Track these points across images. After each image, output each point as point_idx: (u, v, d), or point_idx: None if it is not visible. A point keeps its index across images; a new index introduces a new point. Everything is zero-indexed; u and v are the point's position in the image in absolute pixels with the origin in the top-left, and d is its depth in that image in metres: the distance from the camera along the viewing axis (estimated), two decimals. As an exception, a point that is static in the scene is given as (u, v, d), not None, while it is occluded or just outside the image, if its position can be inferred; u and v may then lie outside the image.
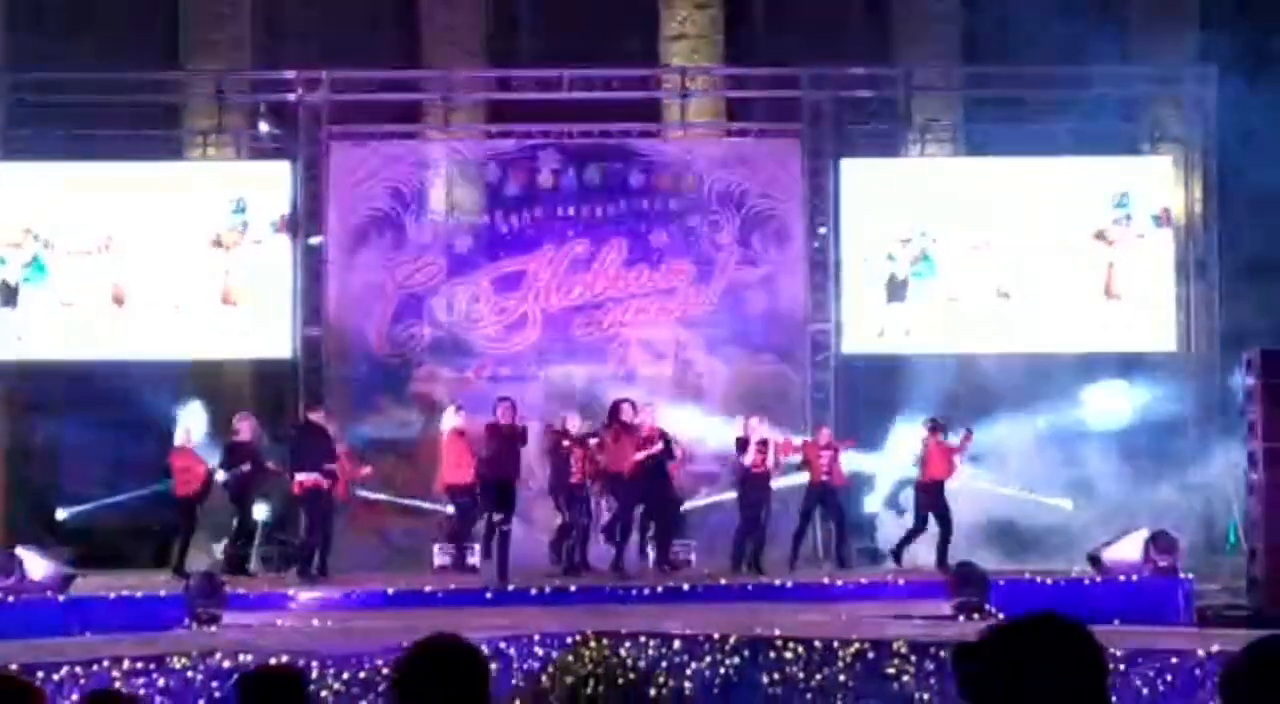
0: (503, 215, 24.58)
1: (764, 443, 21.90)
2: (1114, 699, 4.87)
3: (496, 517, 20.80)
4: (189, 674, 14.09)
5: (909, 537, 22.16)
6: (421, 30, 26.80)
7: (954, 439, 22.10)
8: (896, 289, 24.52)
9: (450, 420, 22.19)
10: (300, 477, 21.21)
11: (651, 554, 21.95)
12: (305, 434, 21.70)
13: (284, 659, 13.19)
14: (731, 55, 26.57)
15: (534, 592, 19.82)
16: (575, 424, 21.81)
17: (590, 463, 21.57)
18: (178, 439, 22.32)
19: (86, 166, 24.37)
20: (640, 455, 21.41)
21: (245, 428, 22.37)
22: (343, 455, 22.11)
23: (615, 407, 21.69)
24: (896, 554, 22.07)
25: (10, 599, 18.82)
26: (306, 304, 24.30)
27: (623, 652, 15.39)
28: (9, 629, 17.60)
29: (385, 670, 13.62)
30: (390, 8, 27.48)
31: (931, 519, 21.99)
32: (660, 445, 21.64)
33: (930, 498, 22.07)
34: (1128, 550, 20.52)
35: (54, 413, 25.89)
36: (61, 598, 19.23)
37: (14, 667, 12.73)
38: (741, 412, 22.88)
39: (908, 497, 22.94)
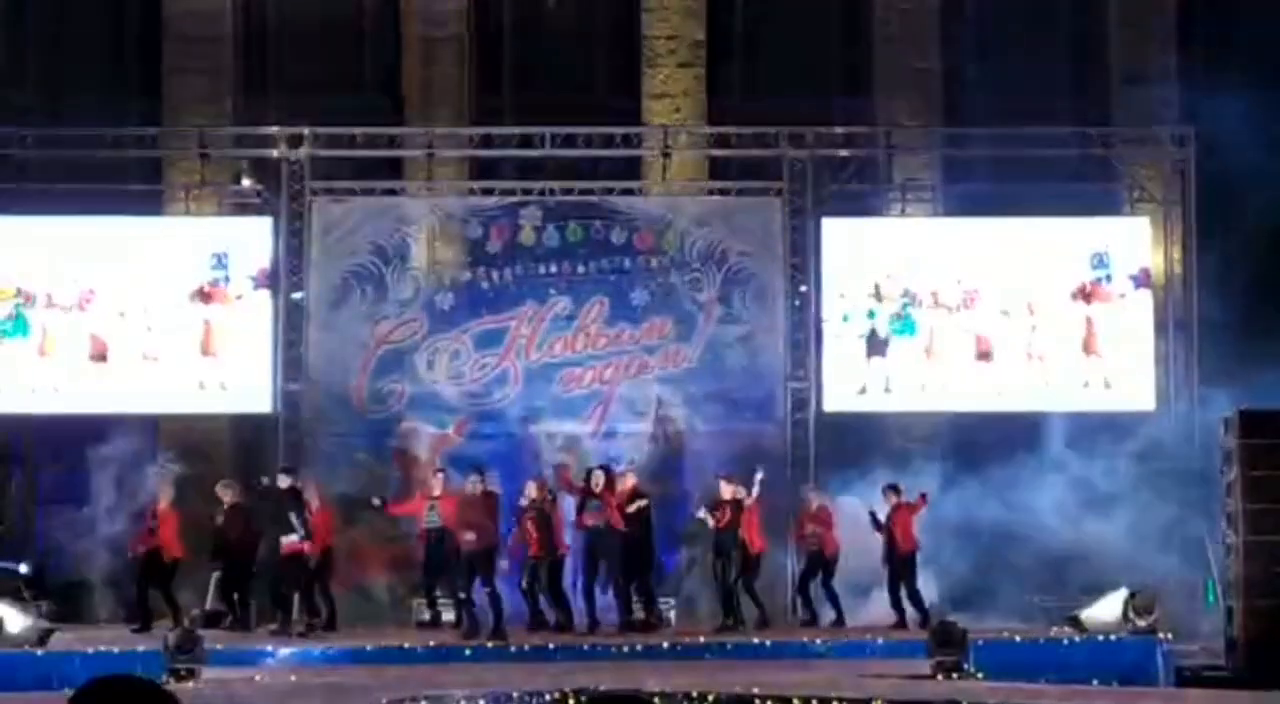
0: (484, 272, 24.58)
1: (734, 503, 22.01)
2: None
3: (484, 586, 20.84)
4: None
5: (893, 595, 22.24)
6: (404, 87, 26.90)
7: (911, 500, 22.40)
8: (877, 348, 24.55)
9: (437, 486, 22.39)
10: (285, 541, 21.32)
11: (638, 611, 21.98)
12: (278, 498, 21.74)
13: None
14: (713, 114, 26.68)
15: (513, 649, 19.79)
16: (533, 491, 21.91)
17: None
18: (163, 498, 22.37)
19: (68, 221, 24.38)
20: (631, 508, 21.62)
21: (229, 496, 22.45)
22: (320, 515, 22.13)
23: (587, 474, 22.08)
24: (901, 621, 22.10)
25: (-12, 654, 18.78)
26: (287, 359, 24.29)
27: (601, 710, 15.36)
28: (-13, 684, 17.54)
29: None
30: (373, 65, 27.58)
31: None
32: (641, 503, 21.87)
33: (900, 559, 22.30)
34: (1107, 610, 20.52)
35: (32, 467, 25.84)
36: (39, 652, 19.18)
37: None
38: (720, 469, 22.95)
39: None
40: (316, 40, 27.27)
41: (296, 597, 21.66)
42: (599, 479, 21.87)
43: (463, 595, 21.13)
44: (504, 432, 24.32)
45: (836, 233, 24.80)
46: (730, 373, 24.55)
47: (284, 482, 21.84)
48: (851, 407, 24.61)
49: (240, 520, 22.39)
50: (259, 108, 26.48)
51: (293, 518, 21.43)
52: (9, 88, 26.56)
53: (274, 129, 24.99)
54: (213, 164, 25.64)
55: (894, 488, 22.71)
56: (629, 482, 22.25)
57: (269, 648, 19.88)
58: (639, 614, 21.89)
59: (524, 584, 21.49)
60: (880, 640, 20.62)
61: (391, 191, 25.67)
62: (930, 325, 24.62)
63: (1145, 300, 24.90)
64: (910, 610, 22.07)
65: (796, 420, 24.38)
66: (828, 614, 22.60)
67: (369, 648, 19.88)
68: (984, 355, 24.61)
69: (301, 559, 21.50)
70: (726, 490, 22.13)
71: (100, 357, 24.12)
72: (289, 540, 21.37)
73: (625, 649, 19.90)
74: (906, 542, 22.35)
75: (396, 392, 24.41)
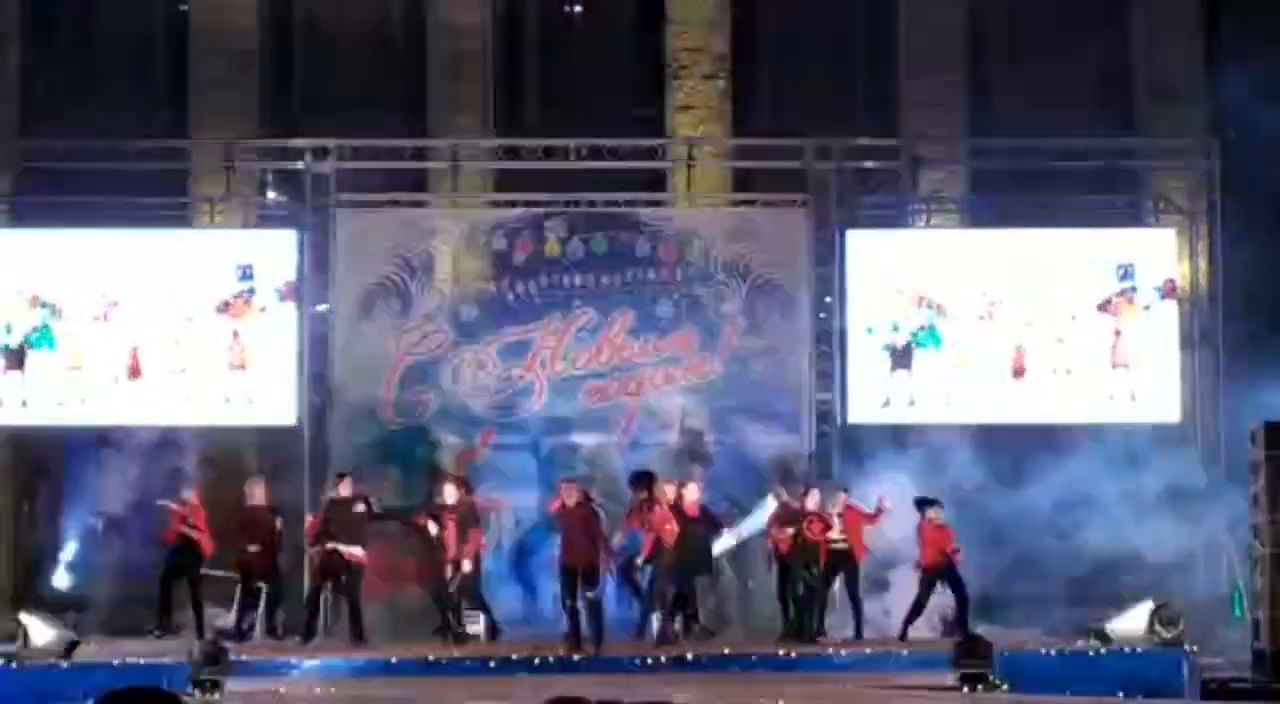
0: (509, 284, 24.59)
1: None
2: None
3: (588, 593, 20.74)
4: (192, 741, 14.08)
5: (912, 615, 22.14)
6: (429, 99, 26.93)
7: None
8: (901, 360, 24.52)
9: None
10: (344, 550, 21.39)
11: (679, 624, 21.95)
12: (338, 507, 21.85)
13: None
14: (738, 126, 26.70)
15: (536, 661, 19.77)
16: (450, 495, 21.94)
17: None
18: (189, 499, 22.54)
19: (94, 233, 24.45)
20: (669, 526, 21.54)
21: (259, 493, 22.52)
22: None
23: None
24: (903, 634, 22.03)
25: (14, 665, 18.82)
26: (312, 371, 24.32)
27: (627, 722, 15.35)
28: (13, 696, 17.61)
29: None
30: (397, 76, 27.59)
31: (944, 589, 22.14)
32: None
33: (933, 576, 22.18)
34: (1132, 622, 20.49)
35: (59, 479, 25.91)
36: (65, 664, 19.23)
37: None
38: (745, 480, 22.96)
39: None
40: (342, 53, 27.32)
41: (347, 606, 21.84)
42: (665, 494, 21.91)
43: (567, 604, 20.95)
44: (529, 444, 24.33)
45: (861, 245, 24.79)
46: (754, 385, 24.52)
47: (347, 489, 21.94)
48: (875, 419, 24.58)
49: (269, 527, 22.45)
50: (285, 120, 26.54)
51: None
52: (35, 99, 26.62)
53: (299, 141, 25.05)
54: (238, 176, 25.70)
55: (926, 501, 22.54)
56: (689, 493, 22.22)
57: (294, 659, 19.90)
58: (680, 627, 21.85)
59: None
60: (905, 652, 20.59)
61: (416, 204, 25.70)
62: (954, 338, 24.59)
63: (1171, 312, 24.83)
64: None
65: (821, 433, 24.36)
66: (848, 621, 22.53)
67: (395, 660, 19.88)
68: (1008, 368, 24.56)
69: (359, 567, 21.70)
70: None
71: (125, 369, 24.16)
72: (351, 551, 21.53)
73: (650, 661, 19.87)
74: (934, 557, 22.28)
75: (421, 403, 24.44)
